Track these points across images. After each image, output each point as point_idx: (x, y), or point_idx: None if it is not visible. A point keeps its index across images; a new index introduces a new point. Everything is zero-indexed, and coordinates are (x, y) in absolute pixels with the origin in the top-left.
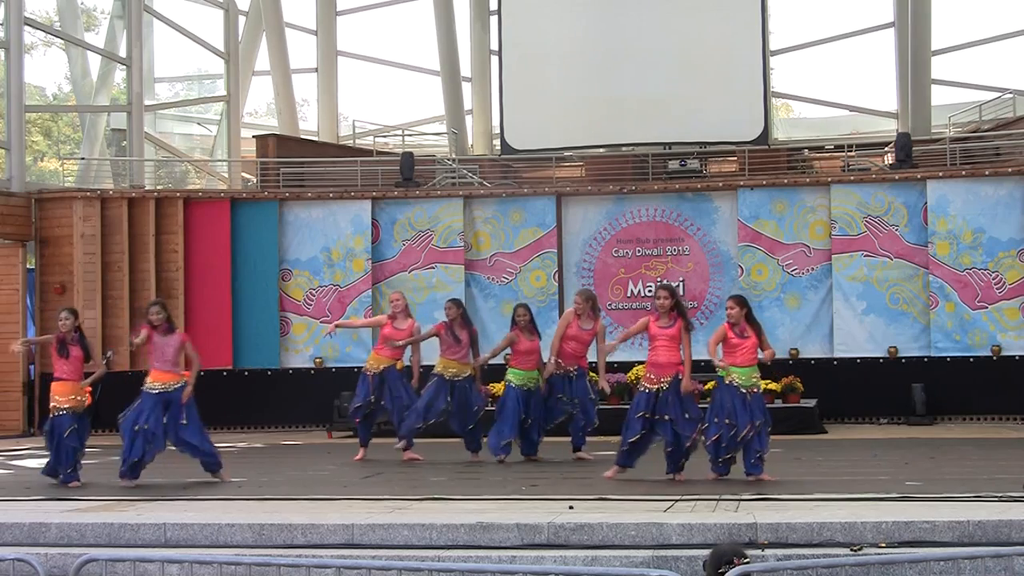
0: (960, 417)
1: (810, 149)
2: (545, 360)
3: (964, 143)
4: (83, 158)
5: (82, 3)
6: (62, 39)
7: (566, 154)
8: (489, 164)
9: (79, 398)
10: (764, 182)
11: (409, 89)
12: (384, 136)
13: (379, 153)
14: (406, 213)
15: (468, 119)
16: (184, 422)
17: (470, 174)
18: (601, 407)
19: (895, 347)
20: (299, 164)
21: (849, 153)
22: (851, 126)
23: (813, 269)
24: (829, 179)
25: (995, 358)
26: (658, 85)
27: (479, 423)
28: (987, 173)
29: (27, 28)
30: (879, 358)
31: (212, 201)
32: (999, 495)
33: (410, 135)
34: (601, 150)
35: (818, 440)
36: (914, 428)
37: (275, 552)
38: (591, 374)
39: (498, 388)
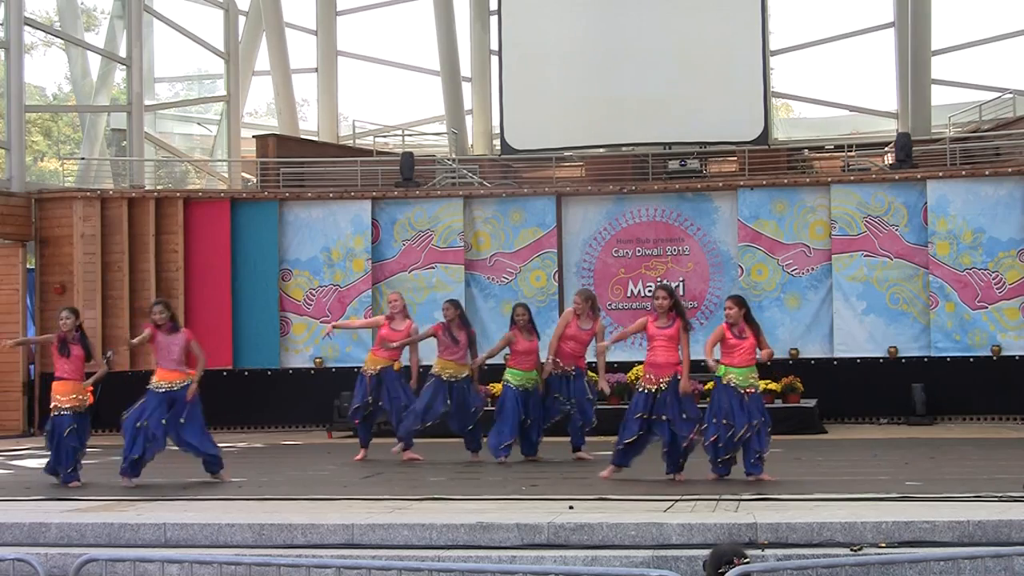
0: (960, 417)
1: (810, 149)
2: (543, 360)
3: (964, 143)
4: (83, 158)
5: (82, 3)
6: (62, 39)
7: (566, 154)
8: (489, 164)
9: (80, 397)
10: (764, 182)
11: (409, 89)
12: (384, 136)
13: (379, 153)
14: (406, 213)
15: (468, 119)
16: (183, 420)
17: (470, 174)
18: (601, 407)
19: (895, 347)
20: (299, 164)
21: (849, 153)
22: (851, 126)
23: (813, 269)
24: (829, 179)
25: (995, 358)
26: (658, 85)
27: (479, 423)
28: (987, 173)
29: (27, 28)
30: (879, 358)
31: (212, 201)
32: (999, 495)
33: (410, 135)
34: (601, 150)
35: (818, 440)
36: (914, 428)
37: (275, 552)
38: (591, 374)
39: (497, 388)
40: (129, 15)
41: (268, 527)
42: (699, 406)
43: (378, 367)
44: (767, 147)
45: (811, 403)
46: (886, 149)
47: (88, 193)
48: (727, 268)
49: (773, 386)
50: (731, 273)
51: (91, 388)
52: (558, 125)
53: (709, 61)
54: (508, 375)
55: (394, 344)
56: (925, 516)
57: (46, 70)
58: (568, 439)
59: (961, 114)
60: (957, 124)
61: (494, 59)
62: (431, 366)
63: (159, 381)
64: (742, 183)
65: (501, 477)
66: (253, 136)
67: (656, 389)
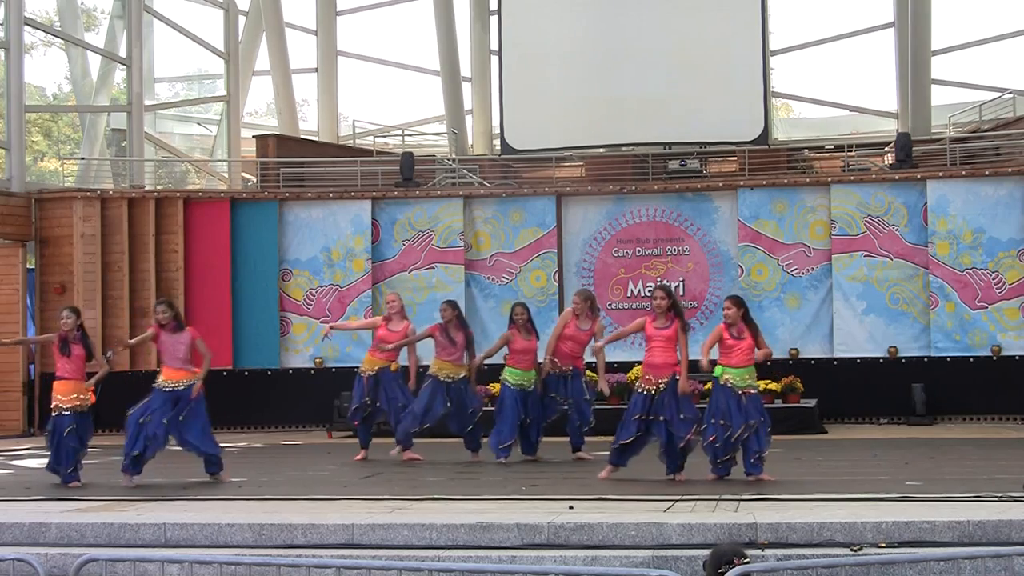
0: (960, 417)
1: (810, 149)
2: (541, 360)
3: (964, 143)
4: (83, 158)
5: (82, 3)
6: (62, 39)
7: (566, 154)
8: (489, 164)
9: (81, 397)
10: (764, 182)
11: (409, 89)
12: (384, 136)
13: (379, 153)
14: (406, 213)
15: (468, 119)
16: (182, 417)
17: (470, 174)
18: (601, 407)
19: (895, 347)
20: (299, 164)
21: (849, 153)
22: (851, 126)
23: (813, 269)
24: (829, 179)
25: (995, 358)
26: (658, 85)
27: (478, 423)
28: (987, 173)
29: (27, 28)
30: (879, 358)
31: (212, 201)
32: (999, 495)
33: (410, 135)
34: (601, 150)
35: (818, 440)
36: (914, 428)
37: (275, 552)
38: (591, 374)
39: (497, 388)
40: (129, 15)
41: (268, 527)
42: (698, 406)
43: (375, 368)
44: (767, 147)
45: (811, 403)
46: (886, 149)
47: (88, 193)
48: (727, 268)
49: (773, 386)
50: (731, 273)
51: (93, 388)
52: (558, 125)
53: (709, 61)
54: (506, 374)
55: (390, 346)
56: (925, 516)
57: (46, 70)
58: (568, 439)
59: (961, 114)
60: (957, 124)
61: (494, 59)
62: (429, 366)
63: (165, 380)
64: (742, 183)
65: (501, 477)
66: (253, 136)
67: (655, 390)
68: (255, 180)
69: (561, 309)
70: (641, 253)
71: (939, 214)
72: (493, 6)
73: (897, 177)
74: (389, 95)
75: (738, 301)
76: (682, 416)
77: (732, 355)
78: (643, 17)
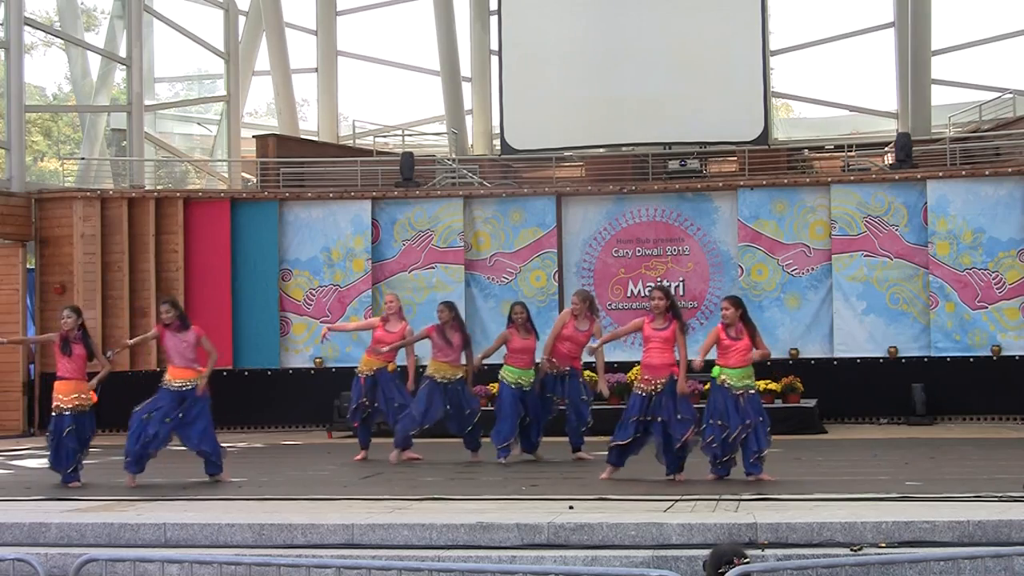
0: (960, 417)
1: (810, 149)
2: (539, 359)
3: (964, 143)
4: (83, 158)
5: (82, 3)
6: (62, 39)
7: (566, 154)
8: (489, 164)
9: (83, 397)
10: (764, 182)
11: (409, 89)
12: (384, 136)
13: (379, 153)
14: (406, 213)
15: (468, 119)
16: (182, 415)
17: (470, 174)
18: (601, 407)
19: (895, 347)
20: (299, 164)
21: (849, 153)
22: (851, 126)
23: (813, 269)
24: (829, 179)
25: (995, 358)
26: (658, 85)
27: (477, 424)
28: (987, 173)
29: (27, 28)
30: (879, 358)
31: (212, 201)
32: (999, 495)
33: (410, 135)
34: (601, 150)
35: (818, 440)
36: (914, 428)
37: (275, 552)
38: (591, 374)
39: (496, 388)
40: (129, 15)
41: (268, 527)
42: (697, 407)
43: (373, 368)
44: (767, 147)
45: (811, 403)
46: (886, 149)
47: (88, 193)
48: (727, 268)
49: (773, 386)
50: (731, 273)
51: (94, 388)
52: (558, 125)
53: (709, 61)
54: (504, 372)
55: (385, 348)
56: (925, 516)
57: (46, 70)
58: (568, 439)
59: (961, 114)
60: (957, 124)
61: (494, 59)
62: (426, 366)
63: (172, 379)
64: (742, 183)
65: (501, 477)
66: (253, 136)
67: (652, 391)
68: (255, 180)
69: (561, 309)
70: (641, 253)
71: (939, 214)
72: (493, 6)
73: (897, 177)
74: (389, 95)
75: (736, 302)
76: (679, 417)
77: (729, 355)
78: (643, 17)
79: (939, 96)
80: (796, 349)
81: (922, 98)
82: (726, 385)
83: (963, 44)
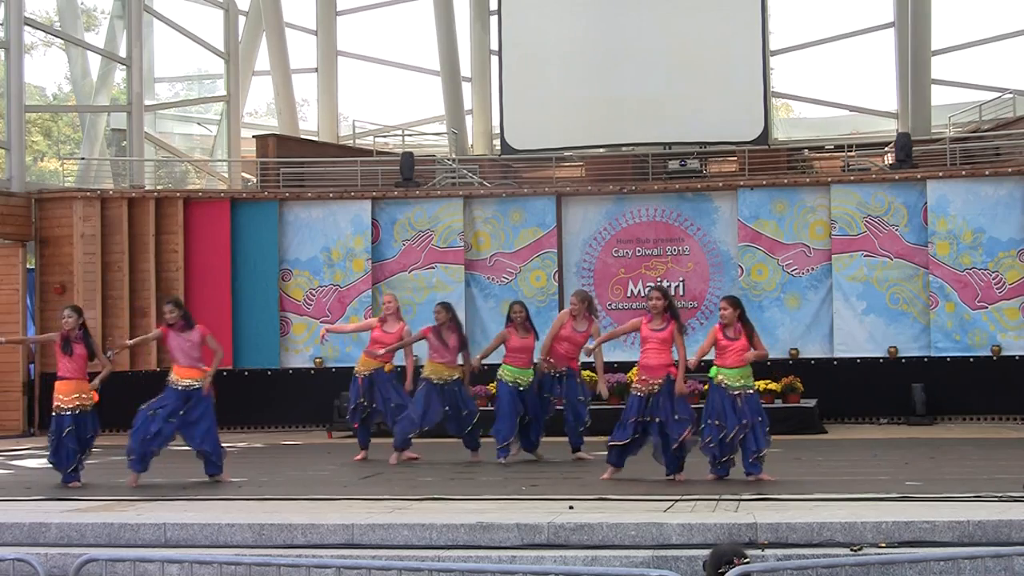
0: (960, 417)
1: (810, 149)
2: (536, 359)
3: (964, 143)
4: (83, 158)
5: (82, 3)
6: (62, 39)
7: (566, 154)
8: (489, 164)
9: (83, 397)
10: (764, 182)
11: (409, 89)
12: (384, 136)
13: (379, 153)
14: (406, 213)
15: (468, 119)
16: (183, 412)
17: (470, 174)
18: (601, 407)
19: (895, 347)
20: (299, 164)
21: (849, 153)
22: (851, 126)
23: (813, 269)
24: (829, 179)
25: (995, 358)
26: (658, 85)
27: (477, 424)
28: (987, 173)
29: (27, 28)
30: (879, 358)
31: (212, 201)
32: (999, 495)
33: (410, 135)
34: (601, 150)
35: (818, 440)
36: (914, 428)
37: (275, 552)
38: (590, 374)
39: (495, 387)
40: (129, 15)
41: (268, 527)
42: (697, 407)
43: (370, 369)
44: (767, 147)
45: (811, 403)
46: (886, 149)
47: (88, 193)
48: (727, 268)
49: (773, 386)
50: (731, 273)
51: (96, 388)
52: (558, 125)
53: (709, 61)
54: (502, 371)
55: (381, 351)
56: (925, 516)
57: (46, 70)
58: (567, 439)
59: (961, 114)
60: (957, 124)
61: (494, 59)
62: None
63: (179, 378)
64: (742, 183)
65: (501, 477)
66: (253, 136)
67: (649, 392)
68: (255, 180)
69: (561, 309)
70: (641, 253)
71: (939, 214)
72: (493, 6)
73: (897, 177)
74: (389, 95)
75: (734, 302)
76: (676, 417)
77: (727, 356)
78: (643, 17)
79: (939, 96)
80: (796, 349)
81: (922, 98)
82: (723, 385)
83: (963, 44)
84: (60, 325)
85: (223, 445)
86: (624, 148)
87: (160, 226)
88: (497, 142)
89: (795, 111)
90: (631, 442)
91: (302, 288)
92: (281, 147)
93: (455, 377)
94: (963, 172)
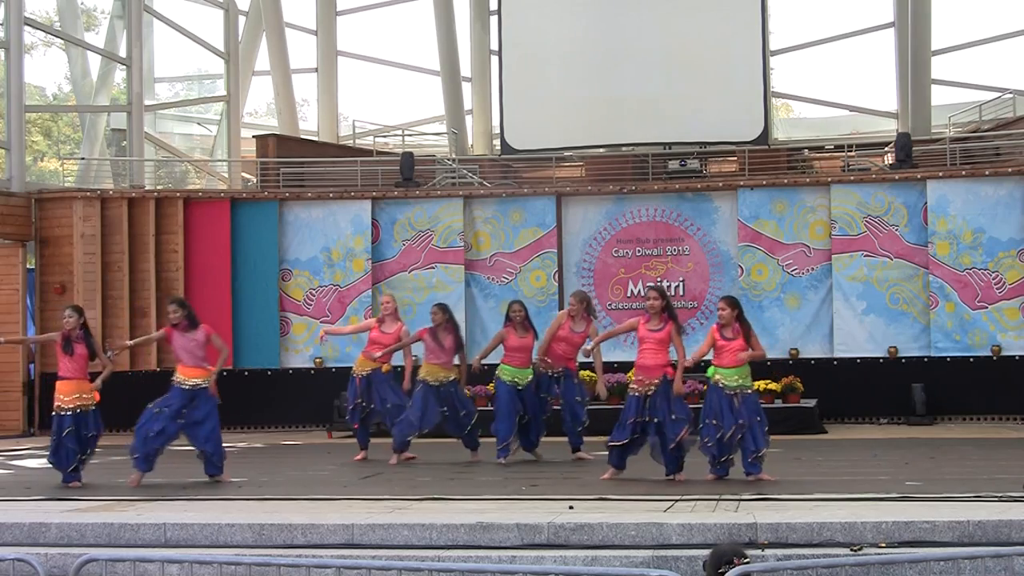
0: (960, 417)
1: (810, 149)
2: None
3: (964, 143)
4: (83, 158)
5: (82, 3)
6: (62, 39)
7: (566, 154)
8: (489, 164)
9: (85, 396)
10: (764, 182)
11: (409, 89)
12: (384, 136)
13: (379, 153)
14: (406, 213)
15: (468, 119)
16: (186, 410)
17: (470, 174)
18: (601, 407)
19: (895, 347)
20: (299, 164)
21: (849, 153)
22: (851, 126)
23: (813, 269)
24: (829, 179)
25: (995, 358)
26: (658, 85)
27: (475, 424)
28: (987, 173)
29: (27, 28)
30: (879, 358)
31: (212, 201)
32: (999, 495)
33: (410, 135)
34: (601, 150)
35: (818, 440)
36: (914, 428)
37: (275, 552)
38: (590, 373)
39: (492, 387)
40: (129, 15)
41: (268, 527)
42: (694, 407)
43: (367, 369)
44: (767, 147)
45: (811, 403)
46: (886, 149)
47: (88, 193)
48: (727, 268)
49: (773, 386)
50: (731, 273)
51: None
52: (558, 125)
53: (709, 61)
54: (501, 371)
55: (378, 354)
56: (925, 516)
57: (46, 70)
58: (567, 439)
59: (961, 114)
60: (957, 124)
61: (494, 59)
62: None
63: (185, 378)
64: (742, 183)
65: (501, 477)
66: (253, 136)
67: (646, 392)
68: (255, 180)
69: (561, 309)
70: (641, 253)
71: (939, 214)
72: (493, 6)
73: (897, 177)
74: (389, 95)
75: (732, 302)
76: (674, 417)
77: (723, 356)
78: (643, 17)
79: (939, 96)
80: (796, 349)
81: (922, 98)
82: (720, 385)
83: (963, 44)
84: (61, 325)
85: (224, 446)
86: (624, 148)
87: (160, 226)
88: (497, 142)
89: (795, 111)
90: (630, 442)
91: (302, 288)
92: (281, 147)
93: (451, 379)
94: (963, 172)
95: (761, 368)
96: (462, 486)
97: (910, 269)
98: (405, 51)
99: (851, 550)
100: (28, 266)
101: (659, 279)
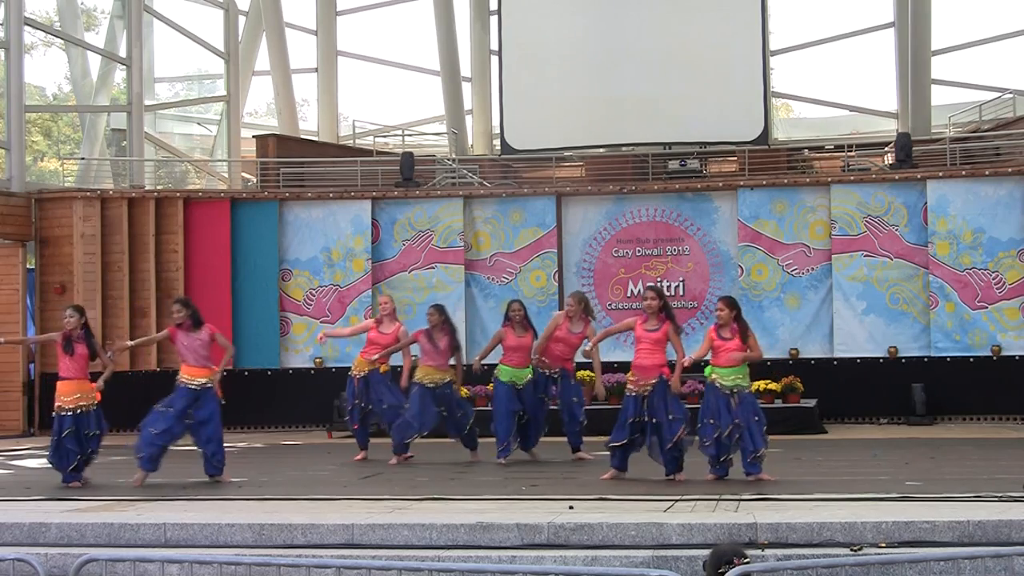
0: (960, 417)
1: (810, 149)
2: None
3: (964, 143)
4: (83, 158)
5: (82, 3)
6: (62, 39)
7: (566, 154)
8: (489, 164)
9: (87, 396)
10: (764, 182)
11: (409, 89)
12: (384, 136)
13: (379, 153)
14: (406, 213)
15: (468, 119)
16: (190, 410)
17: (470, 174)
18: (600, 407)
19: (895, 347)
20: (299, 164)
21: (849, 153)
22: (851, 126)
23: (813, 269)
24: (829, 179)
25: (995, 358)
26: (658, 85)
27: (474, 424)
28: (987, 173)
29: (27, 28)
30: (879, 358)
31: (212, 201)
32: (999, 495)
33: (410, 135)
34: (601, 150)
35: (818, 440)
36: (914, 428)
37: (275, 552)
38: (589, 373)
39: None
40: (129, 15)
41: (268, 527)
42: (691, 407)
43: (365, 370)
44: (767, 147)
45: (811, 403)
46: (886, 149)
47: (88, 193)
48: (727, 268)
49: (773, 386)
50: (731, 273)
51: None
52: (558, 125)
53: (709, 61)
54: (499, 371)
55: (375, 356)
56: (925, 516)
57: (46, 70)
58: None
59: (961, 114)
60: (957, 124)
61: (494, 59)
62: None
63: (190, 378)
64: (742, 183)
65: (501, 477)
66: (253, 136)
67: (643, 392)
68: (255, 180)
69: (561, 309)
70: (641, 253)
71: (939, 214)
72: (493, 6)
73: (897, 177)
74: (389, 95)
75: (731, 302)
76: (671, 417)
77: (720, 356)
78: (643, 17)
79: (939, 96)
80: (796, 349)
81: (922, 98)
82: (717, 384)
83: (963, 44)
84: (61, 325)
85: (224, 446)
86: (624, 148)
87: (160, 226)
88: (497, 142)
89: (795, 111)
90: (630, 442)
91: (302, 288)
92: (281, 147)
93: (447, 380)
94: (963, 172)
95: (761, 368)
96: (462, 486)
97: (910, 269)
98: (405, 51)
99: (851, 550)
100: (28, 266)
101: (659, 279)
